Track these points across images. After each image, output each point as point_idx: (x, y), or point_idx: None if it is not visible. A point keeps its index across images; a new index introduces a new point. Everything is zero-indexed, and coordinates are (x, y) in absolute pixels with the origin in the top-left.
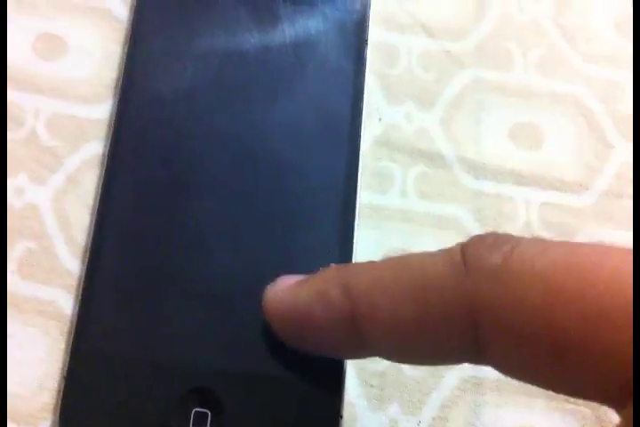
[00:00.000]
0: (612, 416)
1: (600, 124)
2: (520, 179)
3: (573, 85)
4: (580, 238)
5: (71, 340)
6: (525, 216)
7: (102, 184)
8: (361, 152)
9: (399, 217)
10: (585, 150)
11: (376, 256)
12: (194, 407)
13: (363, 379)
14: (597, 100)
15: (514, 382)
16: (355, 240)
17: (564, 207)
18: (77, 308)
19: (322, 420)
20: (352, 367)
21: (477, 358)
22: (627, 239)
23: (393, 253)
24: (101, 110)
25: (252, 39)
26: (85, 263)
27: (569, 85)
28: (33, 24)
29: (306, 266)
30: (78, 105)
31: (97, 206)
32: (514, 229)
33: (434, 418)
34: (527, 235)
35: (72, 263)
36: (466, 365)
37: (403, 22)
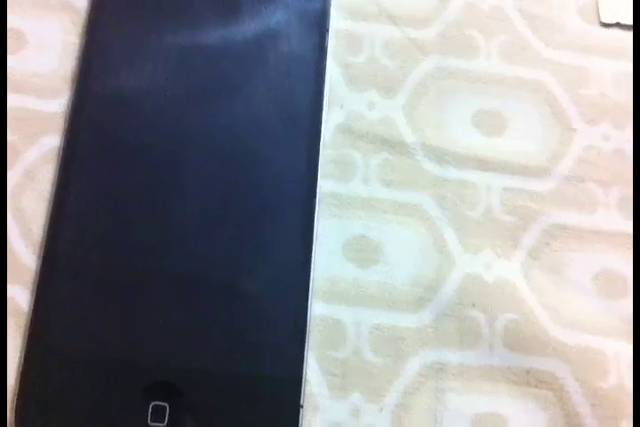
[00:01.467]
0: (574, 397)
1: (563, 109)
2: (483, 164)
3: (536, 71)
4: (541, 222)
5: (27, 335)
6: (487, 201)
7: (58, 178)
8: (322, 140)
9: (361, 205)
10: (548, 135)
11: (337, 244)
12: (152, 401)
13: (324, 368)
14: (560, 85)
15: (476, 368)
16: (315, 228)
17: (526, 192)
18: (33, 304)
19: (282, 410)
20: (313, 356)
21: None
22: (589, 223)
23: (355, 241)
24: (59, 103)
25: (211, 29)
26: (41, 258)
27: (532, 72)
28: None
29: (267, 255)
30: (36, 98)
31: (53, 201)
32: (476, 213)
33: (396, 405)
34: (489, 220)
35: (29, 259)
36: (428, 350)
37: (367, 11)
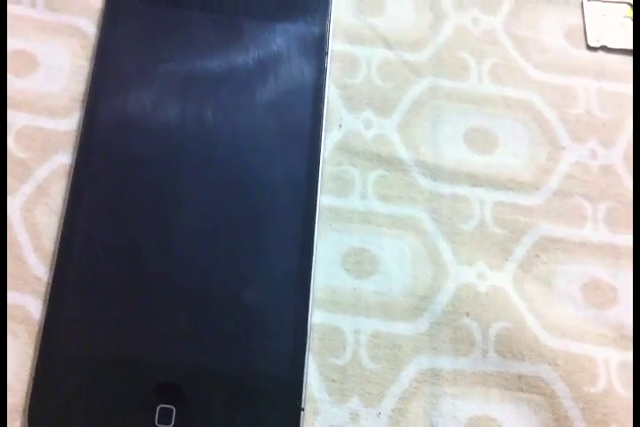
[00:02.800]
0: (565, 402)
1: (551, 127)
2: (475, 180)
3: (525, 92)
4: (531, 235)
5: (39, 343)
6: (480, 215)
7: (69, 194)
8: (322, 157)
9: (359, 219)
10: (537, 152)
11: (336, 256)
12: (159, 404)
13: (324, 374)
14: (548, 105)
15: (470, 374)
16: (315, 241)
17: (517, 206)
18: (45, 310)
19: (284, 413)
20: (314, 363)
21: None
22: (577, 236)
23: (353, 253)
24: (69, 123)
25: (215, 53)
26: (53, 269)
27: (521, 92)
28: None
29: (270, 266)
30: (47, 118)
31: (64, 215)
32: (469, 227)
33: (393, 410)
34: (481, 233)
35: (40, 270)
36: (423, 357)
37: (363, 35)
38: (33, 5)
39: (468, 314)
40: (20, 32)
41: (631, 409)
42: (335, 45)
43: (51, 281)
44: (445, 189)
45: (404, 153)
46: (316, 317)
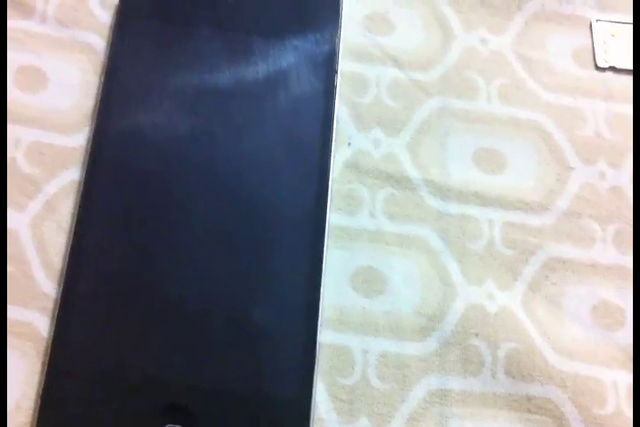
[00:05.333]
0: (573, 425)
1: (560, 148)
2: (483, 200)
3: (534, 112)
4: (540, 256)
5: (47, 360)
6: (489, 235)
7: (78, 210)
8: (331, 176)
9: (367, 237)
10: (546, 173)
11: (345, 275)
12: (166, 423)
13: (332, 394)
14: (557, 125)
15: (479, 395)
16: (324, 259)
17: (525, 226)
18: (53, 329)
19: None
20: (322, 382)
21: None
22: (586, 257)
23: (362, 272)
24: (79, 138)
25: (225, 70)
26: (61, 286)
27: (530, 112)
28: (14, 57)
29: (278, 285)
30: (57, 134)
31: (73, 231)
32: (477, 247)
33: None
34: (490, 253)
35: (49, 286)
36: (432, 377)
37: (372, 54)
38: (43, 21)
39: (477, 335)
40: (30, 48)
41: None
42: (345, 64)
43: (59, 298)
44: (454, 208)
45: (412, 172)
46: (325, 336)
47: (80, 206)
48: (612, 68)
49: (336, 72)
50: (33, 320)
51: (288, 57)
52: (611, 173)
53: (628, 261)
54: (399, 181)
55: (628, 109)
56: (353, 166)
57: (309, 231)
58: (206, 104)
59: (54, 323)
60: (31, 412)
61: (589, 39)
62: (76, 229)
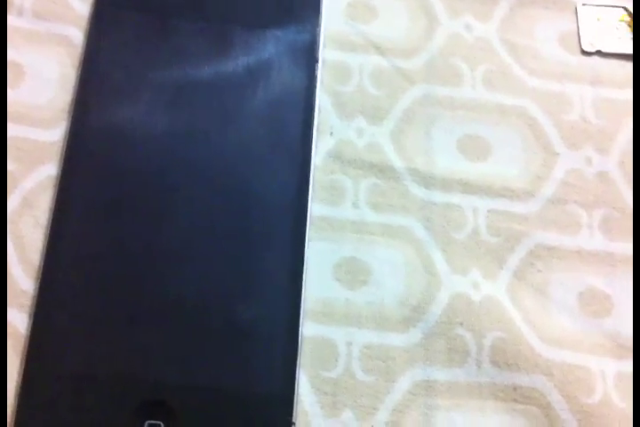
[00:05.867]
0: (561, 414)
1: (546, 133)
2: (468, 188)
3: (520, 99)
4: (526, 243)
5: (24, 358)
6: (473, 223)
7: (55, 205)
8: (312, 166)
9: (351, 228)
10: (531, 159)
11: (328, 266)
12: (147, 419)
13: (316, 387)
14: (543, 111)
15: (464, 385)
16: (306, 251)
17: (510, 214)
18: (31, 325)
19: None
20: (305, 375)
21: None
22: (572, 243)
23: (345, 263)
24: (56, 133)
25: (205, 61)
26: (39, 283)
27: (515, 99)
28: None
29: (259, 277)
30: (34, 128)
31: (50, 227)
32: (462, 235)
33: (386, 423)
34: (475, 241)
35: (27, 283)
36: (417, 369)
37: (355, 42)
38: (20, 14)
39: (462, 324)
40: (7, 41)
41: (628, 421)
42: (327, 53)
43: (36, 295)
44: (438, 197)
45: (396, 161)
46: (308, 329)
47: (57, 202)
48: (599, 53)
49: (317, 61)
50: (11, 318)
51: (269, 46)
52: (597, 159)
53: (615, 247)
54: (383, 170)
55: (615, 94)
56: (336, 156)
57: (291, 222)
58: (186, 95)
59: (31, 320)
60: (9, 410)
61: (575, 24)
62: (53, 225)
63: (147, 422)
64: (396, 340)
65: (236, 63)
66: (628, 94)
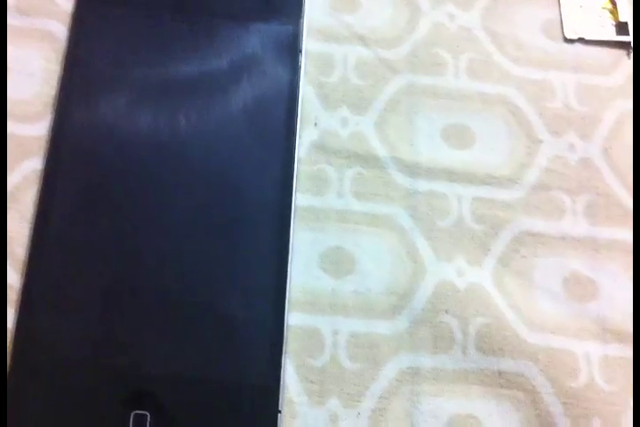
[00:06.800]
0: (546, 398)
1: (529, 121)
2: (452, 176)
3: (503, 87)
4: (510, 230)
5: (11, 351)
6: (458, 211)
7: (40, 199)
8: (296, 156)
9: (336, 218)
10: (515, 147)
11: (314, 256)
12: (133, 410)
13: (302, 375)
14: (526, 99)
15: (450, 371)
16: (291, 241)
17: (495, 201)
18: (16, 317)
19: (261, 416)
20: (291, 364)
21: None
22: (556, 229)
23: (330, 252)
24: (41, 128)
25: (187, 53)
26: (24, 276)
27: (498, 87)
28: None
29: (244, 267)
30: (19, 123)
31: (35, 221)
32: (447, 223)
33: (373, 410)
34: (460, 229)
35: (13, 278)
36: (403, 356)
37: (338, 33)
38: None
39: (447, 311)
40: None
41: (613, 403)
42: (310, 44)
43: (22, 288)
44: (423, 185)
45: (380, 150)
46: (294, 318)
47: (42, 196)
48: (581, 40)
49: (300, 52)
50: None
51: (252, 38)
52: (580, 145)
53: (599, 232)
54: (367, 159)
55: (598, 81)
56: (320, 146)
57: (275, 213)
58: (170, 89)
59: (17, 313)
60: None
61: (557, 11)
62: (38, 219)
63: (133, 413)
64: (382, 328)
65: (220, 56)
66: (610, 81)
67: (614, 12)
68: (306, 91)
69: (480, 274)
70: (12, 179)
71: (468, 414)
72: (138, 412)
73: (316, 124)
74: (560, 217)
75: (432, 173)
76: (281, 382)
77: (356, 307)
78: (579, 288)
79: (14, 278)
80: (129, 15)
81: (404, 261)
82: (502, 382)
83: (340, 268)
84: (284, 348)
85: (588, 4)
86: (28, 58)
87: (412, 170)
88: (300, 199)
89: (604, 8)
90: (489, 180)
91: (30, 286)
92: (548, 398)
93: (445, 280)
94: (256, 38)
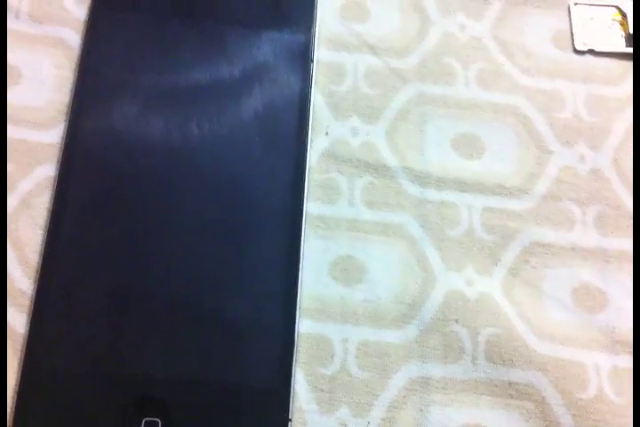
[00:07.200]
0: (556, 409)
1: (539, 131)
2: (463, 186)
3: (513, 97)
4: (520, 240)
5: (22, 357)
6: (468, 221)
7: (53, 206)
8: (307, 165)
9: (346, 226)
10: (525, 157)
11: (324, 264)
12: (144, 416)
13: (312, 384)
14: (536, 109)
15: (460, 381)
16: (302, 249)
17: (505, 211)
18: (29, 324)
19: (271, 424)
20: (301, 373)
21: None
22: (566, 240)
23: (340, 261)
24: (54, 135)
25: (201, 62)
26: (37, 282)
27: (508, 97)
28: None
29: (254, 276)
30: (31, 130)
31: (48, 228)
32: (457, 233)
33: (382, 419)
34: (470, 238)
35: (25, 283)
36: (412, 365)
37: (349, 42)
38: (17, 17)
39: (457, 321)
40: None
41: (622, 415)
42: (321, 53)
43: (34, 294)
44: (433, 195)
45: (391, 160)
46: (304, 326)
47: (55, 202)
48: (591, 51)
49: (312, 61)
50: (10, 318)
51: (263, 46)
52: (590, 156)
53: (609, 243)
54: (377, 169)
55: (607, 92)
56: (331, 155)
57: (287, 221)
58: (182, 96)
59: (29, 320)
60: (8, 409)
61: (568, 22)
62: (51, 226)
63: (144, 420)
64: (392, 337)
65: (232, 64)
66: (620, 92)
67: (624, 23)
68: (316, 100)
69: (490, 284)
70: (26, 185)
71: (477, 424)
72: (149, 419)
73: (326, 133)
74: (570, 228)
75: (442, 182)
76: (291, 390)
77: (366, 315)
78: (588, 299)
79: (27, 284)
80: (142, 23)
81: (413, 271)
82: (512, 392)
83: (350, 276)
84: (294, 356)
85: (598, 16)
86: (41, 65)
87: (423, 179)
88: (311, 208)
89: (613, 20)
90: (499, 190)
91: (43, 292)
92: (557, 410)
93: (455, 290)
94: (268, 47)
